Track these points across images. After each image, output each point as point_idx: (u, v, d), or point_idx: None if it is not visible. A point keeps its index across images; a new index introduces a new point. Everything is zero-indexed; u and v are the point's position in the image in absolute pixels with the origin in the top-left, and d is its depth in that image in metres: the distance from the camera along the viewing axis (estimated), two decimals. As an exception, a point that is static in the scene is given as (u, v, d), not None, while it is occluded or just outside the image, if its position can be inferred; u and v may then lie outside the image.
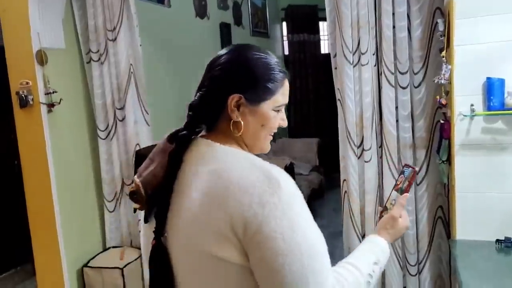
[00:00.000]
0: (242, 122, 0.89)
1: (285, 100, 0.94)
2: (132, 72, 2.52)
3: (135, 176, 0.91)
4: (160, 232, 0.87)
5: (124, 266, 2.48)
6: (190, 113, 0.92)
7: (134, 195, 0.91)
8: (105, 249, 2.69)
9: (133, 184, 0.91)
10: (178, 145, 0.90)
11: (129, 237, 2.71)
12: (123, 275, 2.46)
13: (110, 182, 2.65)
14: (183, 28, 3.73)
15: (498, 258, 1.68)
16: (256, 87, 0.90)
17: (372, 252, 0.97)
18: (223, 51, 0.96)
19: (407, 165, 1.13)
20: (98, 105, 2.58)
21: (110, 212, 2.67)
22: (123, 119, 2.56)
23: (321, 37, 6.26)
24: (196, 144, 0.91)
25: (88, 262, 2.55)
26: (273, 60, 0.93)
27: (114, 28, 2.49)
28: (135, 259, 2.56)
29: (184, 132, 0.91)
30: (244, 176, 0.81)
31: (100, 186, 2.68)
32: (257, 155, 0.90)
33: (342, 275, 0.88)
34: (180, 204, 0.86)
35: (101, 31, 2.52)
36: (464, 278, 1.51)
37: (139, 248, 2.59)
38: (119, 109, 2.56)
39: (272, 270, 0.78)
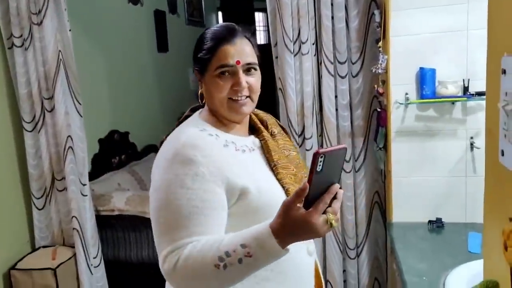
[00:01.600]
0: (202, 92, 1.08)
1: (221, 62, 1.01)
2: (61, 59, 2.34)
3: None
4: None
5: (57, 267, 2.32)
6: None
7: None
8: (34, 249, 2.51)
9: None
10: (188, 114, 1.13)
11: (61, 235, 2.54)
12: (55, 276, 2.30)
13: (38, 178, 2.47)
14: (115, 14, 3.55)
15: (431, 238, 1.79)
16: (197, 60, 1.06)
17: (246, 234, 0.88)
18: None
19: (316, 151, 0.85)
20: (23, 94, 2.38)
21: (39, 209, 2.48)
22: (52, 110, 2.38)
23: (257, 28, 6.28)
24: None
25: (16, 264, 2.36)
26: (211, 31, 1.06)
27: (40, 11, 2.29)
28: (69, 259, 2.41)
29: (197, 104, 1.13)
30: (170, 137, 1.03)
31: (27, 182, 2.48)
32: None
33: (203, 242, 0.89)
34: None
35: (24, 14, 2.31)
36: (403, 258, 1.59)
37: (73, 247, 2.45)
38: (47, 99, 2.38)
39: (150, 209, 0.99)
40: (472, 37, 1.76)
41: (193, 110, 1.14)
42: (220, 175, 0.95)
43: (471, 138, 1.82)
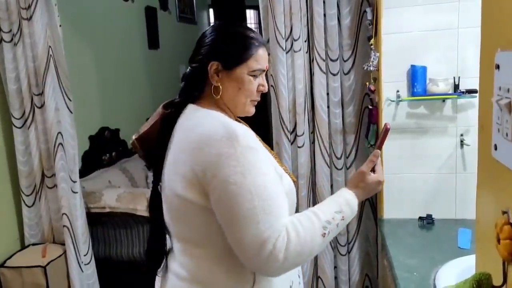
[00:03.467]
0: (220, 86, 1.06)
1: (259, 66, 1.07)
2: (51, 55, 2.32)
3: (134, 134, 1.14)
4: (156, 181, 1.10)
5: (47, 264, 2.30)
6: (182, 83, 1.10)
7: (134, 150, 1.15)
8: (24, 247, 2.48)
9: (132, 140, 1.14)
10: (173, 111, 1.08)
11: (51, 233, 2.52)
12: (46, 274, 2.28)
13: (28, 175, 2.44)
14: (106, 10, 3.53)
15: (421, 234, 1.81)
16: (230, 54, 1.06)
17: (336, 202, 1.04)
18: (207, 29, 1.12)
19: (385, 124, 1.18)
20: (12, 90, 2.35)
21: (29, 207, 2.46)
22: (42, 106, 2.36)
23: (248, 25, 6.28)
24: (186, 109, 1.08)
25: (5, 261, 2.34)
26: (248, 31, 1.10)
27: (29, 6, 2.27)
28: (59, 256, 2.39)
29: (178, 100, 1.09)
30: (209, 130, 0.97)
31: (16, 179, 2.45)
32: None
33: (298, 219, 0.97)
34: (167, 157, 1.05)
35: (13, 8, 2.29)
36: (394, 254, 1.60)
37: (63, 244, 2.43)
38: (37, 95, 2.35)
39: (227, 209, 0.93)
40: (462, 35, 1.78)
41: (167, 107, 1.11)
42: (271, 162, 1.04)
43: (461, 135, 1.84)
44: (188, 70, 1.11)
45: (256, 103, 1.12)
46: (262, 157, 0.98)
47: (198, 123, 1.01)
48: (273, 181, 0.97)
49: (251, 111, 1.12)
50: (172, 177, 1.02)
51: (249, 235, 0.91)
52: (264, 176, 0.95)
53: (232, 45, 1.07)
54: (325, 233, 0.97)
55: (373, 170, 1.11)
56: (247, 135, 0.97)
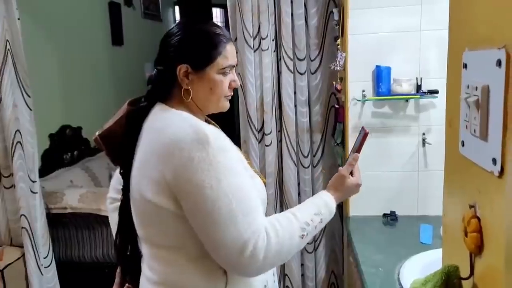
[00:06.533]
0: (191, 90, 1.02)
1: (229, 63, 1.05)
2: (8, 50, 2.21)
3: (98, 130, 1.09)
4: (127, 189, 1.05)
5: (4, 268, 2.21)
6: (148, 86, 1.06)
7: (97, 147, 1.11)
8: (-22, 250, 2.37)
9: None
10: (140, 111, 1.04)
11: (8, 235, 2.41)
12: (3, 278, 2.19)
13: (-17, 175, 2.33)
14: (68, 4, 3.41)
15: (386, 230, 1.85)
16: (198, 55, 1.02)
17: (314, 204, 1.05)
18: (172, 28, 1.07)
19: (363, 128, 1.20)
20: (-34, 86, 2.23)
21: (-16, 208, 2.35)
22: (-2, 103, 2.25)
23: (214, 24, 6.24)
24: (154, 108, 1.04)
25: (-42, 266, 2.22)
26: (214, 28, 1.05)
27: (-15, -2, 2.16)
28: (17, 259, 2.30)
29: (144, 103, 1.04)
30: (179, 133, 0.93)
31: (-30, 179, 2.33)
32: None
33: (277, 219, 0.97)
34: (136, 160, 1.01)
35: (-33, 0, 2.17)
36: (359, 250, 1.64)
37: (21, 247, 2.34)
38: (-6, 91, 2.25)
39: (204, 214, 0.90)
40: (425, 37, 1.83)
41: (133, 104, 1.08)
42: (243, 161, 1.04)
43: (423, 134, 1.90)
44: (154, 72, 1.06)
45: (230, 97, 1.09)
46: (234, 157, 0.97)
47: (167, 124, 0.97)
48: (246, 181, 0.96)
49: (226, 105, 1.09)
50: (140, 180, 0.98)
51: (229, 238, 0.89)
52: (238, 177, 0.93)
53: (199, 45, 1.02)
54: (303, 235, 0.97)
55: (351, 173, 1.13)
56: (218, 137, 0.95)
